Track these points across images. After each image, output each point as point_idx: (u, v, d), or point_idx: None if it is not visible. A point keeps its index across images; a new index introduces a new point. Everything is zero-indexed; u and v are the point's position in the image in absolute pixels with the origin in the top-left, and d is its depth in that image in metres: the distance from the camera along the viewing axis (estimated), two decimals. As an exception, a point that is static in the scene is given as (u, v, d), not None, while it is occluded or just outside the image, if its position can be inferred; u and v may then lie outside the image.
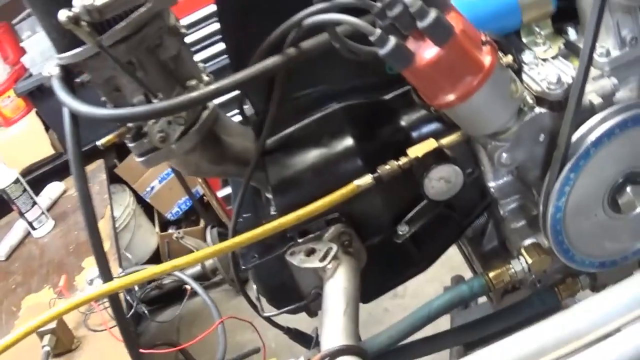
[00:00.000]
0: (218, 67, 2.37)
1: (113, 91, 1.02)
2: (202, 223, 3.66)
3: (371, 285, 1.21)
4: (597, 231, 1.11)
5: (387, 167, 1.09)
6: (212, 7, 2.52)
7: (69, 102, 0.92)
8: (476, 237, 1.41)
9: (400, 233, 1.18)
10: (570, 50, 1.06)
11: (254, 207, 1.31)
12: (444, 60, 0.86)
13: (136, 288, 2.30)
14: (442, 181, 1.05)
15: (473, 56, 0.87)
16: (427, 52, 0.87)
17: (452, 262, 1.53)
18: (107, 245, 2.37)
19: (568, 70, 0.99)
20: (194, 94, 0.92)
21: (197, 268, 3.21)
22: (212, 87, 0.93)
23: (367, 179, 1.08)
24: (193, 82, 1.08)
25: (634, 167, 1.05)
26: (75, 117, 0.96)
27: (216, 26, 2.49)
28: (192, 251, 3.34)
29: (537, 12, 1.03)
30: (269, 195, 1.25)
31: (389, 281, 1.30)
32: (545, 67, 1.01)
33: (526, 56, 1.02)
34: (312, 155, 1.17)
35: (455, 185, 1.06)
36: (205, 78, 1.12)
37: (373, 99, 1.23)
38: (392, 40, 0.85)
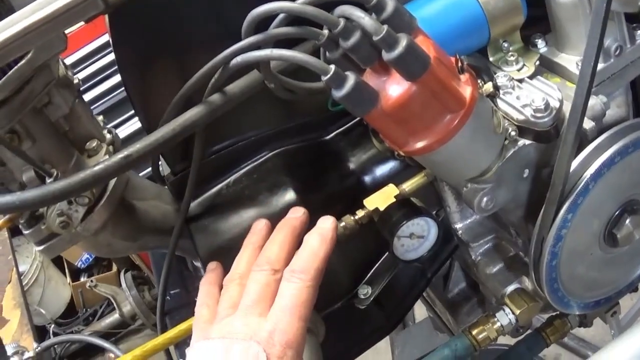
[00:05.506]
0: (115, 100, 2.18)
1: (-3, 165, 0.80)
2: (114, 267, 3.39)
3: (334, 356, 1.01)
4: (591, 271, 0.95)
5: (342, 223, 0.89)
6: (103, 39, 2.31)
7: None
8: (438, 279, 1.23)
9: (362, 297, 0.99)
10: (545, 67, 0.89)
11: (181, 279, 1.09)
12: (417, 97, 0.67)
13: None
14: (414, 238, 0.86)
15: (452, 89, 0.68)
16: (394, 88, 0.67)
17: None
18: (17, 313, 2.10)
19: (553, 93, 0.81)
20: (99, 168, 0.70)
21: (116, 316, 3.00)
22: (122, 155, 0.71)
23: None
24: (94, 144, 0.87)
25: (631, 195, 0.90)
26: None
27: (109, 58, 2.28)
28: (107, 299, 3.19)
29: (506, 25, 0.85)
30: (198, 264, 1.04)
31: (353, 348, 1.10)
32: (525, 90, 0.83)
33: (499, 79, 0.84)
34: (247, 216, 0.96)
35: (429, 241, 0.88)
36: (107, 136, 0.91)
37: (311, 140, 1.03)
38: (351, 79, 0.65)
